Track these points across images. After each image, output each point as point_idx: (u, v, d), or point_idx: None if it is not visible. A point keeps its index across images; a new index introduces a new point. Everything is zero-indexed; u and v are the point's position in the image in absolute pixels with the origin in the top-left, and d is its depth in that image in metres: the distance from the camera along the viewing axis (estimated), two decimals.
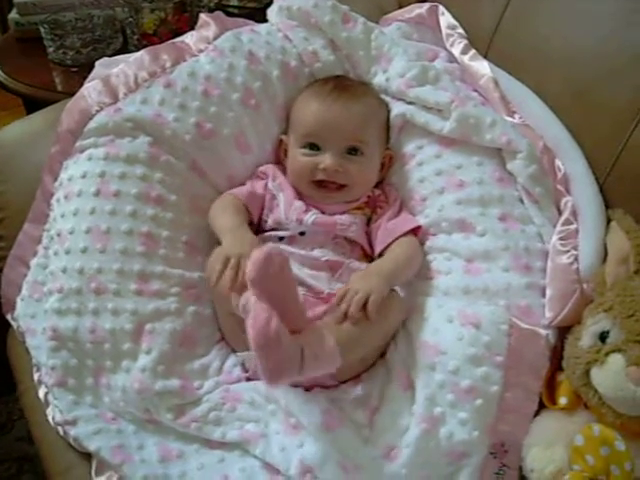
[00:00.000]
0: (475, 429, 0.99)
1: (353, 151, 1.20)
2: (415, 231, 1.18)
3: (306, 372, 0.93)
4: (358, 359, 1.07)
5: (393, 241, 1.16)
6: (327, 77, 1.30)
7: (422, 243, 1.18)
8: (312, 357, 0.93)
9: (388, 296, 1.07)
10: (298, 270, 1.11)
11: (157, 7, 1.75)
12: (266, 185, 1.23)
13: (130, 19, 1.77)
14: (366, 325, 1.02)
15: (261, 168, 1.27)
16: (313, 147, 1.20)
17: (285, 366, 0.91)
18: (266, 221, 1.22)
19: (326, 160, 1.18)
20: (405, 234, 1.16)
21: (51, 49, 1.84)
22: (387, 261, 1.13)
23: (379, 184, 1.27)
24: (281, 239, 1.19)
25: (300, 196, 1.21)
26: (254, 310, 0.90)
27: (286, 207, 1.19)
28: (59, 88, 1.80)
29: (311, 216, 1.17)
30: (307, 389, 1.07)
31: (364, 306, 1.02)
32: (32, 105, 1.81)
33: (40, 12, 1.91)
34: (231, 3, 1.90)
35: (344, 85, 1.25)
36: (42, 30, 1.83)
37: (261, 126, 1.27)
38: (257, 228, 1.23)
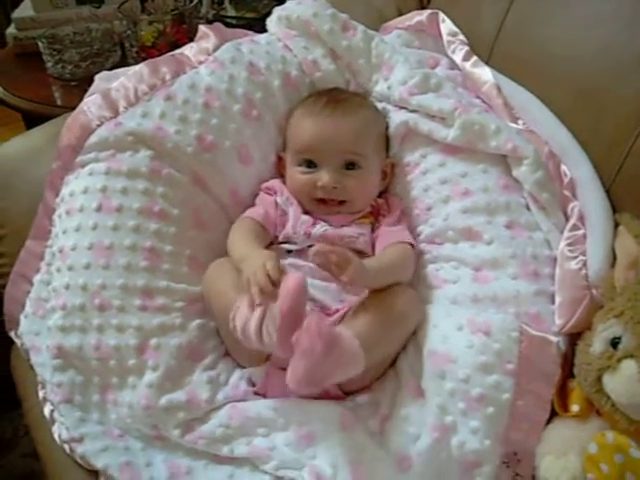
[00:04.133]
0: (487, 438, 0.98)
1: (350, 165, 1.19)
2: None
3: (335, 377, 0.95)
4: (374, 364, 1.05)
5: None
6: (321, 91, 1.29)
7: (428, 252, 1.17)
8: (341, 367, 0.94)
9: (407, 295, 1.08)
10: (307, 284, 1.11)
11: (155, 19, 1.74)
12: (275, 202, 1.22)
13: (128, 32, 1.76)
14: (386, 324, 1.02)
15: (266, 184, 1.26)
16: (310, 164, 1.20)
17: (320, 383, 0.93)
18: (277, 237, 1.20)
19: (323, 177, 1.17)
20: (401, 242, 1.15)
21: (50, 64, 1.83)
22: (371, 260, 1.12)
23: (383, 193, 1.26)
24: (289, 252, 1.18)
25: (306, 210, 1.20)
26: (313, 330, 0.92)
27: (294, 221, 1.18)
28: (58, 102, 1.80)
29: (319, 229, 1.16)
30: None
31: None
32: (31, 120, 1.80)
33: (38, 27, 1.91)
34: (229, 14, 1.90)
35: (338, 99, 1.24)
36: (40, 45, 1.82)
37: (263, 137, 1.27)
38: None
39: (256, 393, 1.10)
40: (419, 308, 1.10)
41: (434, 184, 1.19)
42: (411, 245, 1.16)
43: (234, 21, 1.87)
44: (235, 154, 1.23)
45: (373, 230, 1.20)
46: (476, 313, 1.05)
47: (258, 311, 0.97)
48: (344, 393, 1.08)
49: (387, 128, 1.27)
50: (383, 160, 1.25)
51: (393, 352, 1.10)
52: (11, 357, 1.29)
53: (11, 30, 1.97)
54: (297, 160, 1.21)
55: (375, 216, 1.22)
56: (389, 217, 1.21)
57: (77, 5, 1.94)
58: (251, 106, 1.25)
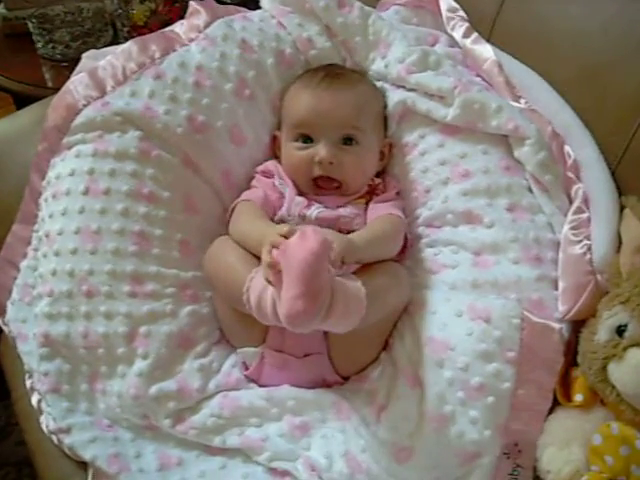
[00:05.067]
0: (486, 428, 0.96)
1: (348, 140, 1.16)
2: None
3: (331, 319, 0.89)
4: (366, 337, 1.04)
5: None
6: (318, 66, 1.27)
7: (426, 236, 1.15)
8: (342, 302, 0.89)
9: (399, 268, 1.07)
10: None
11: None
12: (273, 184, 1.19)
13: (120, 11, 1.76)
14: (386, 282, 1.01)
15: (261, 168, 1.23)
16: (306, 139, 1.17)
17: (317, 303, 0.86)
18: (272, 218, 1.16)
19: (320, 152, 1.14)
20: (389, 214, 1.13)
21: (40, 44, 1.82)
22: (360, 232, 1.09)
23: (381, 174, 1.24)
24: None
25: (301, 192, 1.17)
26: (309, 233, 0.88)
27: (288, 203, 1.15)
28: (49, 84, 1.79)
29: (314, 211, 1.13)
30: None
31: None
32: (23, 102, 1.78)
33: (27, 6, 1.89)
34: None
35: (335, 73, 1.22)
36: (30, 25, 1.82)
37: (256, 117, 1.24)
38: None
39: (248, 378, 1.09)
40: (405, 280, 1.08)
41: (433, 165, 1.17)
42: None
43: (228, 0, 1.83)
44: (227, 135, 1.20)
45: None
46: (476, 299, 1.03)
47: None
48: (342, 378, 1.08)
49: (385, 107, 1.25)
50: (381, 140, 1.23)
51: (383, 329, 1.07)
52: (0, 345, 1.27)
53: (0, 10, 1.95)
54: (293, 135, 1.18)
55: (370, 196, 1.19)
56: (381, 196, 1.18)
57: None
58: (243, 85, 1.22)
